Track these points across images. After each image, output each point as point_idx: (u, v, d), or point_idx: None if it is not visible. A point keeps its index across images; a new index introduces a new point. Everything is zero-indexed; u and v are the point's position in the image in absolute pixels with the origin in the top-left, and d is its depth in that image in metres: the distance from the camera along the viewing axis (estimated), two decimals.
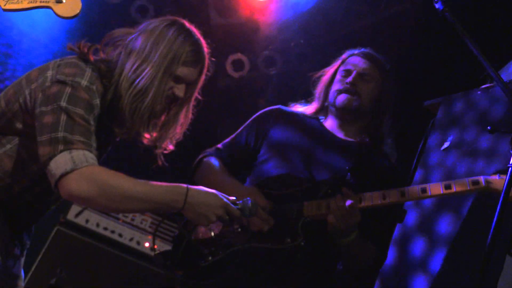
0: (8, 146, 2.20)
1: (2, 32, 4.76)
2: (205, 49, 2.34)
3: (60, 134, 2.05)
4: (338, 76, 2.91)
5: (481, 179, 2.32)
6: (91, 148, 2.09)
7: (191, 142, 2.70)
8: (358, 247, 2.58)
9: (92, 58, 2.26)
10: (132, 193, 2.08)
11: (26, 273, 3.81)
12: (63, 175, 2.03)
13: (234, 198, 2.26)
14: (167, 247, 3.72)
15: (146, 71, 2.21)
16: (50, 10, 2.49)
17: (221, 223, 2.57)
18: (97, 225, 4.34)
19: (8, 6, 2.49)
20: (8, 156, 2.19)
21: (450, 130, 3.17)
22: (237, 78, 5.44)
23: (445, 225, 2.71)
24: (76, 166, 2.03)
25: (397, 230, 2.84)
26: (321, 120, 2.93)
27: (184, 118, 2.40)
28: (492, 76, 2.13)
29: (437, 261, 2.67)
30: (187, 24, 2.34)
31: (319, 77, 2.99)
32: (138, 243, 4.37)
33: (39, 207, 2.34)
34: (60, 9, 2.48)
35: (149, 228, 4.43)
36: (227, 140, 2.95)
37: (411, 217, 2.83)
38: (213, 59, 2.41)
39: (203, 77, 2.37)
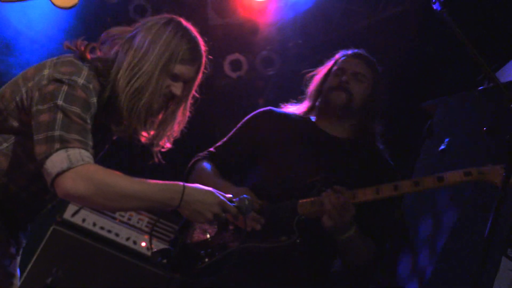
0: (5, 145, 2.19)
1: None
2: (202, 47, 2.34)
3: (57, 133, 2.05)
4: (331, 75, 2.93)
5: (474, 169, 2.34)
6: (87, 147, 2.09)
7: (189, 143, 2.70)
8: (357, 242, 2.58)
9: (89, 56, 2.26)
10: (129, 192, 2.08)
11: (22, 273, 3.81)
12: (59, 173, 2.02)
13: (230, 195, 2.26)
14: (164, 246, 3.71)
15: (143, 69, 2.20)
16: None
17: (216, 226, 2.57)
18: (94, 224, 4.33)
19: None
20: (4, 155, 2.19)
21: (447, 131, 3.18)
22: (235, 78, 5.44)
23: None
24: (72, 165, 2.02)
25: None
26: (313, 119, 2.95)
27: (182, 116, 2.39)
28: (489, 77, 2.13)
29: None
30: (184, 22, 2.33)
31: (312, 77, 3.01)
32: (134, 242, 4.36)
33: (36, 206, 2.34)
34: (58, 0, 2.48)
35: (145, 227, 4.42)
36: (220, 143, 2.96)
37: None
38: (210, 57, 2.41)
39: (200, 75, 2.37)
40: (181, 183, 2.17)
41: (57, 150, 2.03)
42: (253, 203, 2.31)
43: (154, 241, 4.25)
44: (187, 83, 2.33)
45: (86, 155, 2.07)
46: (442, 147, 3.10)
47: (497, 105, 2.92)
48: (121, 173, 2.11)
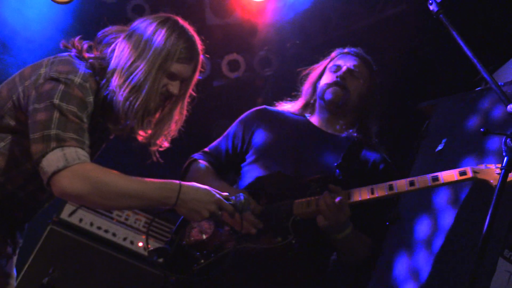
0: (1, 144, 2.19)
1: None
2: (199, 46, 2.34)
3: (53, 132, 2.05)
4: (327, 72, 2.93)
5: (468, 169, 2.33)
6: (83, 146, 2.09)
7: (187, 143, 2.70)
8: (353, 241, 2.58)
9: (85, 55, 2.26)
10: (125, 190, 2.08)
11: (18, 272, 3.81)
12: (55, 172, 2.02)
13: (227, 194, 2.26)
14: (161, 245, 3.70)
15: (140, 68, 2.20)
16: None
17: (212, 227, 2.57)
18: (91, 224, 4.32)
19: None
20: (1, 154, 2.18)
21: (444, 132, 3.19)
22: (233, 78, 5.44)
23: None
24: (68, 164, 2.02)
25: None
26: (308, 117, 2.95)
27: (179, 115, 2.40)
28: (486, 78, 2.13)
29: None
30: (180, 21, 2.33)
31: (307, 74, 3.01)
32: (131, 242, 4.35)
33: (33, 205, 2.34)
34: None
35: (143, 227, 4.41)
36: (214, 143, 2.96)
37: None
38: (207, 55, 2.41)
39: (197, 73, 2.37)
40: (177, 182, 2.17)
41: (53, 148, 2.03)
42: (249, 201, 2.31)
43: (151, 241, 4.25)
44: (184, 82, 2.33)
45: (82, 154, 2.07)
46: (440, 147, 3.10)
47: (494, 106, 2.92)
48: (117, 171, 2.11)
